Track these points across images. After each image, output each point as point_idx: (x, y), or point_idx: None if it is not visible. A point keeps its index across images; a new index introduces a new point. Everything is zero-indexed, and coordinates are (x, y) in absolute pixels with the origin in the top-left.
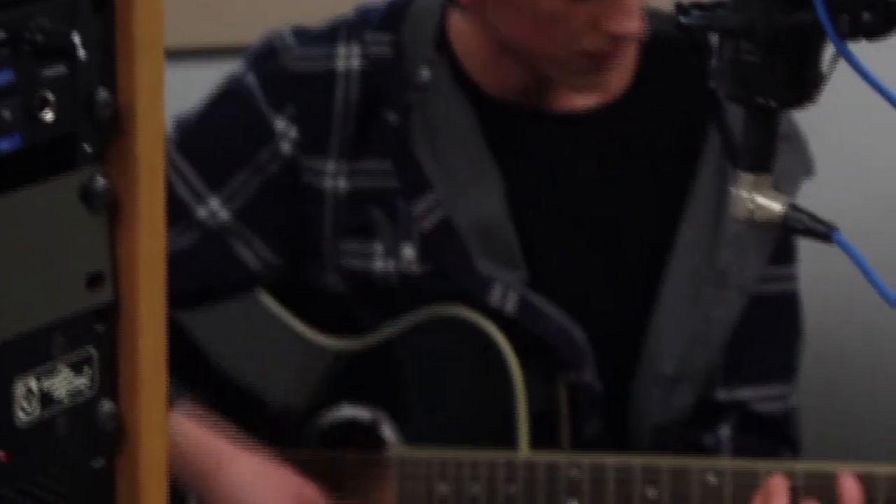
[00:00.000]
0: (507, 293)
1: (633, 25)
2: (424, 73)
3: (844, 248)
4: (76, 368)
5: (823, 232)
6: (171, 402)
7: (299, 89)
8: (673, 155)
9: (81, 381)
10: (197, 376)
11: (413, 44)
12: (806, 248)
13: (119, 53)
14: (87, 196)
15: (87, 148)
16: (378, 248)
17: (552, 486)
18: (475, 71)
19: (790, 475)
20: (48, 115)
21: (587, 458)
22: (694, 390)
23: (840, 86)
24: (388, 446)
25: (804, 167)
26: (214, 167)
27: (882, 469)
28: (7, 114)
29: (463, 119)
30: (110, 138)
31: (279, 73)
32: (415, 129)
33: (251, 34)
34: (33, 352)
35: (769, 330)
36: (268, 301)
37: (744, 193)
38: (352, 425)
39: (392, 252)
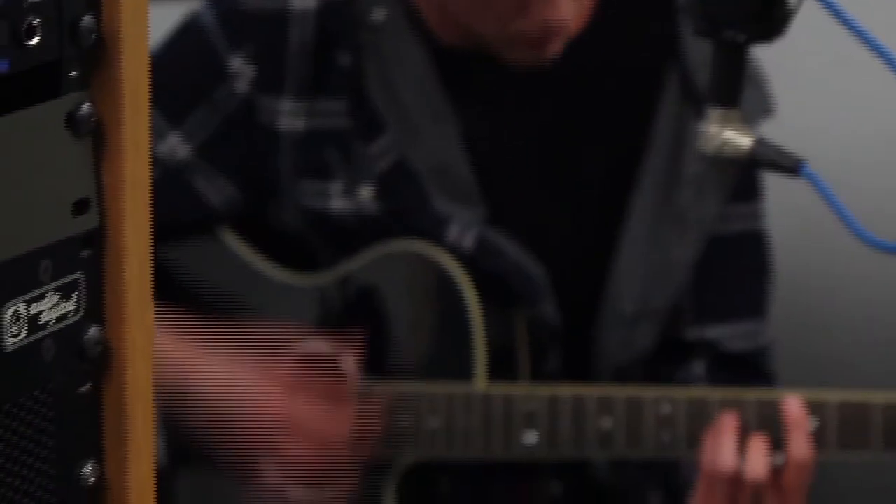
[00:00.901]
0: (464, 231)
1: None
2: (378, 14)
3: (812, 181)
4: (63, 293)
5: (791, 165)
6: None
7: (255, 28)
8: (631, 95)
9: (68, 307)
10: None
11: None
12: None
13: None
14: (73, 122)
15: (73, 74)
16: (335, 187)
17: (509, 419)
18: (429, 19)
19: (740, 410)
20: (34, 41)
21: (543, 391)
22: (655, 329)
23: (808, 21)
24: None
25: (763, 107)
26: (173, 104)
27: (834, 395)
28: None
29: (417, 60)
30: (95, 64)
31: (236, 12)
32: (368, 69)
33: None
34: (21, 277)
35: (735, 268)
36: (230, 238)
37: (712, 128)
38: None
39: (349, 192)
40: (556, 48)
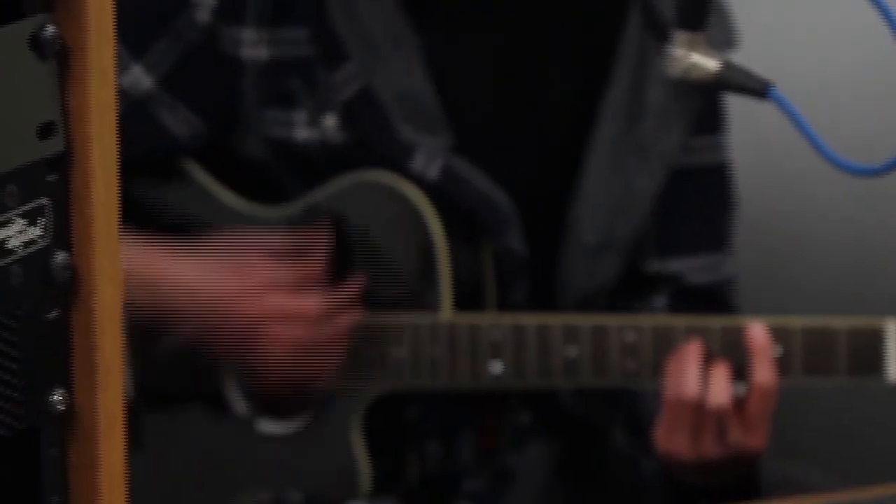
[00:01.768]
0: (430, 159)
1: None
2: None
3: (780, 103)
4: (29, 219)
5: (759, 88)
6: None
7: None
8: (595, 23)
9: (35, 232)
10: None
11: None
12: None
13: None
14: (37, 44)
15: None
16: (299, 117)
17: (475, 348)
18: None
19: (705, 337)
20: None
21: (508, 320)
22: (618, 260)
23: None
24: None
25: (726, 39)
26: (135, 35)
27: (797, 321)
28: None
29: None
30: None
31: None
32: None
33: None
34: None
35: (697, 201)
36: (194, 170)
37: (678, 52)
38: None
39: (313, 121)
40: None
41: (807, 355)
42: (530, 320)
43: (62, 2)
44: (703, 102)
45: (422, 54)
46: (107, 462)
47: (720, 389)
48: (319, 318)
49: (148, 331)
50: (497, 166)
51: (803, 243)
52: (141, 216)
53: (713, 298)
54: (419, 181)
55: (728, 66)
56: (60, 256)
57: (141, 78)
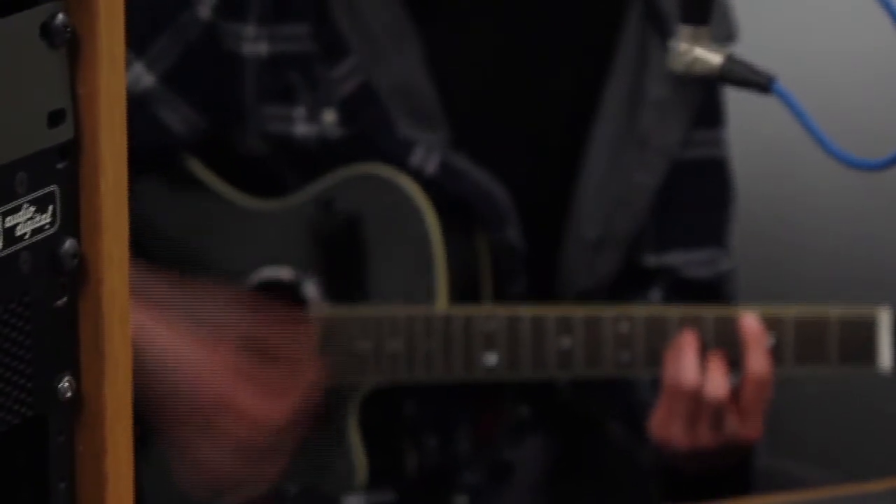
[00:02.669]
0: (428, 154)
1: None
2: None
3: (783, 98)
4: (39, 206)
5: (762, 82)
6: None
7: None
8: (595, 17)
9: (44, 219)
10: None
11: None
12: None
13: None
14: (48, 32)
15: None
16: (299, 112)
17: (469, 340)
18: None
19: (699, 327)
20: None
21: (502, 311)
22: (618, 255)
23: None
24: (310, 305)
25: (726, 32)
26: (137, 32)
27: (790, 310)
28: None
29: None
30: None
31: None
32: None
33: None
34: None
35: (696, 195)
36: (194, 165)
37: (682, 46)
38: (275, 285)
39: (313, 117)
40: None
41: (799, 344)
42: (524, 312)
43: None
44: (703, 96)
45: (422, 49)
46: (114, 450)
47: (718, 379)
48: (273, 428)
49: None
50: (496, 161)
51: (800, 234)
52: (141, 213)
53: (710, 292)
54: (417, 175)
55: (731, 60)
56: (69, 244)
57: (142, 75)
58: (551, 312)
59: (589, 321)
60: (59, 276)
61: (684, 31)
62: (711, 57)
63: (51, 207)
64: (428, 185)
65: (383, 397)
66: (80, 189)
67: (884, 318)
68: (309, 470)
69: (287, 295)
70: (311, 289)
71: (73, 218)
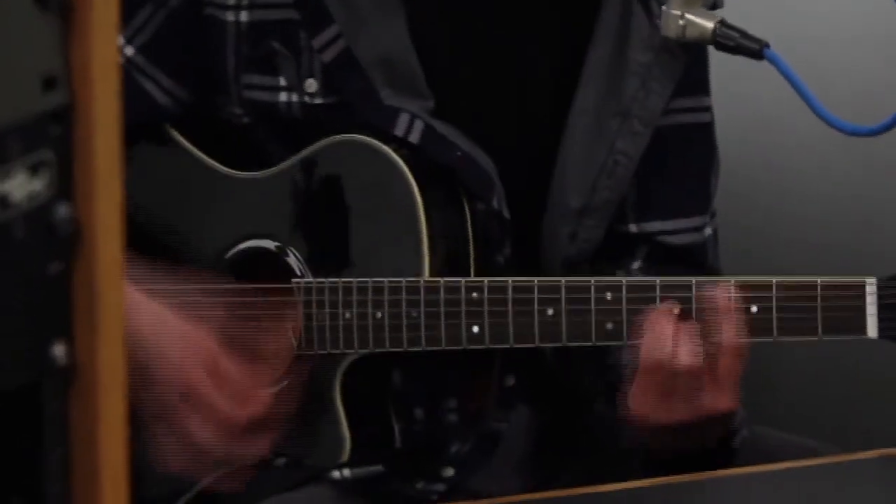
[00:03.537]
0: (412, 123)
1: None
2: None
3: (775, 63)
4: (33, 171)
5: (755, 48)
6: None
7: None
8: None
9: (38, 185)
10: None
11: None
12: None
13: None
14: None
15: None
16: (281, 81)
17: (453, 309)
18: None
19: (680, 298)
20: None
21: (487, 281)
22: (602, 224)
23: None
24: (294, 275)
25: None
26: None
27: (773, 280)
28: None
29: None
30: None
31: None
32: None
33: None
34: None
35: (679, 162)
36: (176, 136)
37: (675, 10)
38: (258, 256)
39: (295, 86)
40: None
41: (784, 314)
42: (508, 281)
43: None
44: (687, 64)
45: (405, 17)
46: (108, 416)
47: (691, 349)
48: (257, 402)
49: None
50: (480, 130)
51: (787, 203)
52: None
53: (692, 258)
54: (401, 144)
55: (723, 25)
56: (63, 209)
57: (122, 48)
58: (535, 282)
59: (572, 290)
60: (53, 242)
61: None
62: (704, 22)
63: (45, 173)
64: (412, 153)
65: (369, 369)
66: (74, 155)
67: (870, 287)
68: (295, 443)
69: (271, 265)
70: (294, 259)
71: (67, 184)
